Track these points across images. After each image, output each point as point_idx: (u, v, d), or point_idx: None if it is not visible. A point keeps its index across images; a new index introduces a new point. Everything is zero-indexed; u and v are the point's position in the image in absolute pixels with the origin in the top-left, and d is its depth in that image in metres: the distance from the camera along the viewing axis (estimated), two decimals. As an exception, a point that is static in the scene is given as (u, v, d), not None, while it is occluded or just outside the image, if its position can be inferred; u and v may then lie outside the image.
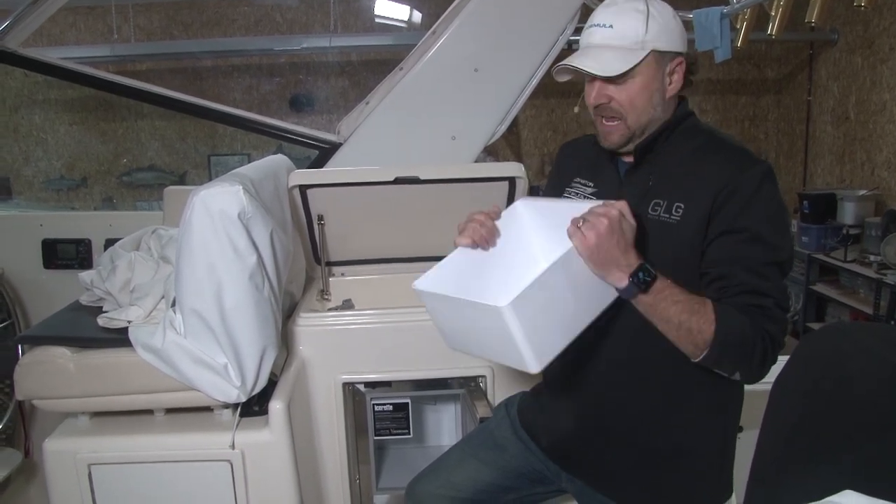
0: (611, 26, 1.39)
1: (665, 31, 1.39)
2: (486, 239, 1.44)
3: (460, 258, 1.44)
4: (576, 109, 1.54)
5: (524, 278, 1.22)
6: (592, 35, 1.41)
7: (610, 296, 1.33)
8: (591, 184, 1.55)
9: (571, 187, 1.58)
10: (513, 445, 1.67)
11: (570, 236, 1.25)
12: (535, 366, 1.24)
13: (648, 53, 1.37)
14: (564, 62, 1.41)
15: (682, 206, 1.38)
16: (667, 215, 1.39)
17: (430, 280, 1.38)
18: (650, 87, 1.40)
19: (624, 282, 1.27)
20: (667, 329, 1.31)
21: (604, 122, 1.44)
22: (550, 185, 1.69)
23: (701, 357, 1.31)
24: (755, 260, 1.33)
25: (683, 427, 1.47)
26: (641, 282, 1.27)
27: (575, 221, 1.26)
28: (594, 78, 1.41)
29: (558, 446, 1.59)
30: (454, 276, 1.40)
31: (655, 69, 1.40)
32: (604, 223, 1.23)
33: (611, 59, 1.37)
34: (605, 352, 1.44)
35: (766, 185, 1.34)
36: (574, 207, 1.34)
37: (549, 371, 1.36)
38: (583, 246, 1.23)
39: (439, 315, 1.38)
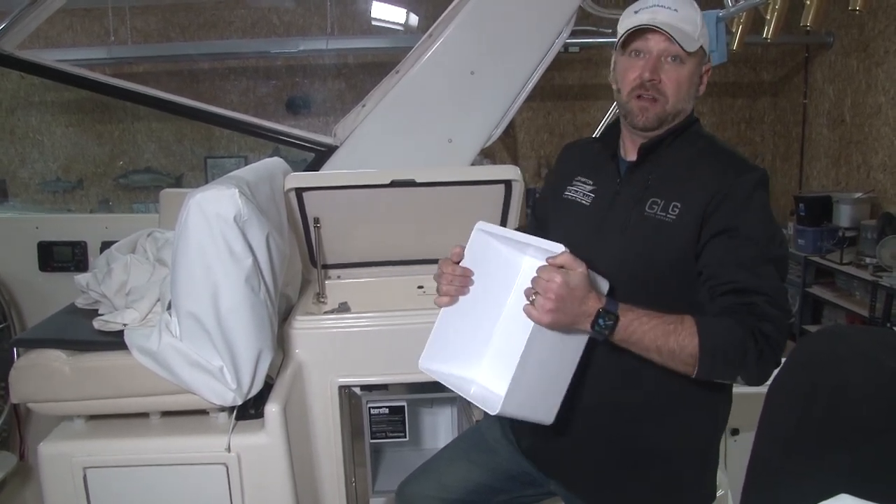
0: (676, 10, 1.43)
1: (706, 36, 1.47)
2: (461, 288, 1.46)
3: (447, 319, 1.47)
4: (614, 87, 1.53)
5: (507, 352, 1.34)
6: (658, 13, 1.43)
7: (585, 337, 1.37)
8: (590, 182, 1.56)
9: (573, 185, 1.59)
10: (503, 448, 1.67)
11: (528, 315, 1.26)
12: (548, 421, 1.37)
13: (700, 47, 1.43)
14: (643, 21, 1.42)
15: (679, 205, 1.39)
16: (663, 214, 1.40)
17: (431, 355, 1.45)
18: (693, 78, 1.46)
19: (589, 330, 1.30)
20: (650, 357, 1.32)
21: (640, 100, 1.45)
22: (549, 184, 1.70)
23: (695, 372, 1.31)
24: (745, 258, 1.33)
25: (666, 430, 1.46)
26: (605, 327, 1.29)
27: (528, 294, 1.28)
28: (650, 55, 1.43)
29: (539, 448, 1.60)
30: (450, 341, 1.46)
31: (698, 64, 1.47)
32: (551, 293, 1.24)
33: (683, 36, 1.41)
34: (589, 356, 1.44)
35: (758, 191, 1.37)
36: (526, 238, 1.40)
37: None
38: (541, 322, 1.25)
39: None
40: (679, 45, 1.40)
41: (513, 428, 1.67)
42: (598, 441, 1.50)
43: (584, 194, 1.55)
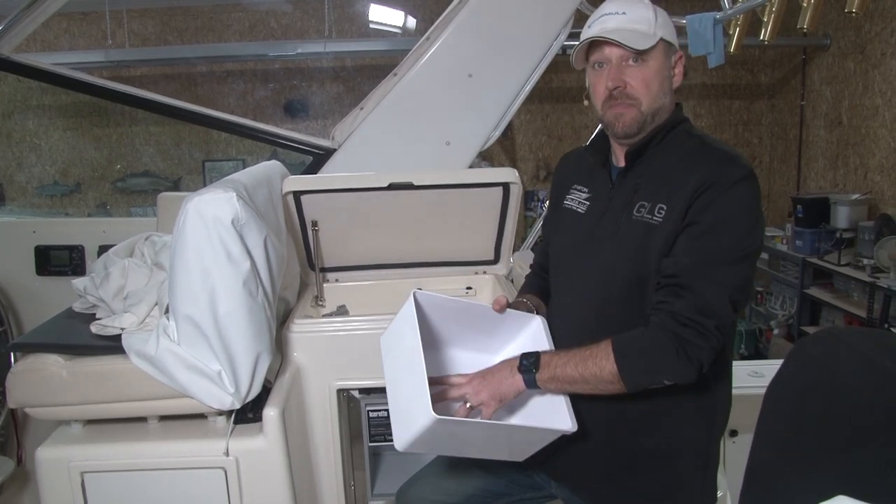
0: (624, 13, 1.45)
1: (667, 25, 1.47)
2: None
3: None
4: (585, 103, 1.60)
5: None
6: (607, 21, 1.46)
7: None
8: (586, 189, 1.58)
9: (570, 194, 1.61)
10: None
11: (476, 407, 1.41)
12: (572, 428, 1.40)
13: (659, 40, 1.44)
14: (592, 34, 1.45)
15: (664, 207, 1.40)
16: (650, 216, 1.41)
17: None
18: (662, 72, 1.46)
19: (520, 379, 1.41)
20: (581, 389, 1.38)
21: (616, 109, 1.47)
22: (552, 196, 1.72)
23: (628, 387, 1.34)
24: (698, 254, 1.34)
25: (666, 434, 1.47)
26: (531, 365, 1.40)
27: (463, 408, 1.41)
28: (609, 64, 1.45)
29: (540, 451, 1.60)
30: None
31: (664, 57, 1.46)
32: (476, 394, 1.41)
33: (634, 37, 1.42)
34: None
35: (739, 186, 1.35)
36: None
37: None
38: (489, 407, 1.40)
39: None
40: (632, 47, 1.41)
41: None
42: (598, 444, 1.50)
43: (579, 202, 1.57)
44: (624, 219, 1.44)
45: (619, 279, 1.43)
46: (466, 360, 1.58)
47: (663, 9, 1.48)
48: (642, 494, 1.50)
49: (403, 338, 1.45)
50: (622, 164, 1.51)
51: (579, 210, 1.56)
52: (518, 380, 1.41)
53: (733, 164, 1.38)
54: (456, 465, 1.70)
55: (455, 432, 1.39)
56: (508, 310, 1.55)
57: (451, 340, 1.60)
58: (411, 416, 1.33)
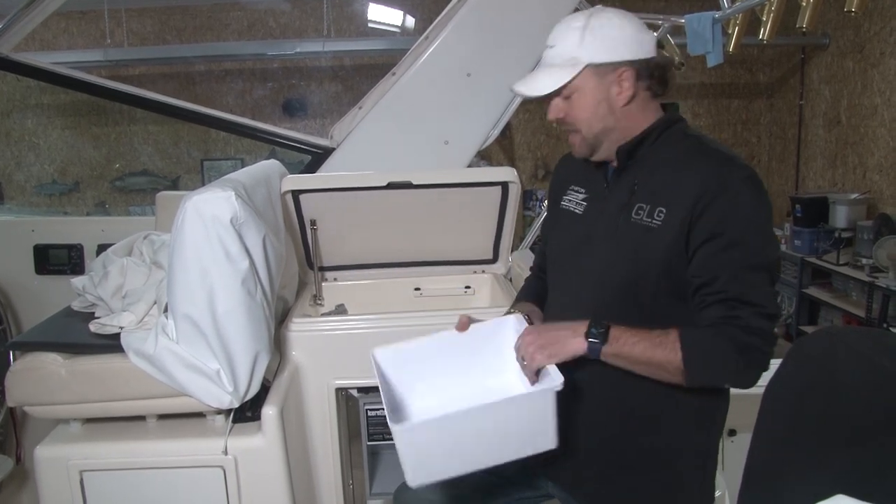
0: (553, 46, 1.45)
1: (604, 44, 1.41)
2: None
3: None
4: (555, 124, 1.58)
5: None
6: (543, 56, 1.48)
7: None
8: (582, 190, 1.57)
9: (567, 194, 1.60)
10: None
11: (527, 369, 1.39)
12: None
13: (584, 68, 1.41)
14: (519, 93, 1.48)
15: (664, 210, 1.38)
16: (649, 220, 1.40)
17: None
18: (593, 99, 1.43)
19: (584, 345, 1.35)
20: (640, 369, 1.36)
21: (568, 135, 1.50)
22: (550, 196, 1.72)
23: (689, 383, 1.34)
24: (732, 266, 1.32)
25: (666, 435, 1.46)
26: (598, 334, 1.35)
27: (519, 361, 1.41)
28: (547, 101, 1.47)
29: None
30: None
31: (596, 82, 1.42)
32: (530, 346, 1.38)
33: (543, 79, 1.43)
34: (585, 363, 1.44)
35: (746, 189, 1.34)
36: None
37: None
38: (540, 361, 1.37)
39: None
40: (537, 95, 1.43)
41: None
42: (596, 445, 1.50)
43: (577, 203, 1.57)
44: (622, 220, 1.43)
45: (617, 280, 1.43)
46: (472, 388, 1.48)
47: (662, 10, 1.47)
48: (641, 495, 1.49)
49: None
50: (615, 163, 1.51)
51: (577, 211, 1.56)
52: (581, 343, 1.35)
53: (733, 165, 1.37)
54: None
55: (439, 437, 1.33)
56: (473, 325, 1.55)
57: (445, 374, 1.52)
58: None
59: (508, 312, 1.64)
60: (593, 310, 1.45)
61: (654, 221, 1.39)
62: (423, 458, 1.32)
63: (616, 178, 1.49)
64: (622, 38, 1.41)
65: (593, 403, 1.46)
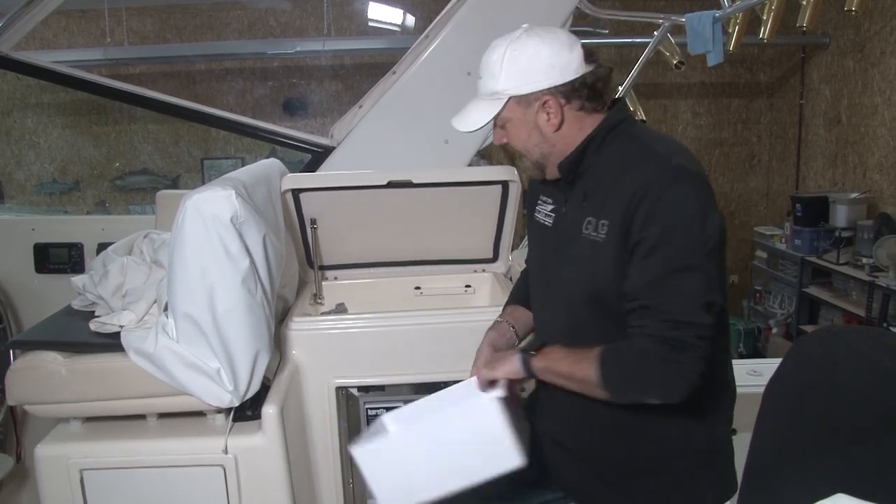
0: (480, 77, 1.45)
1: (523, 75, 1.40)
2: None
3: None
4: None
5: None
6: (465, 108, 1.50)
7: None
8: (550, 201, 1.57)
9: (538, 205, 1.60)
10: None
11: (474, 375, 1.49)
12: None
13: (507, 101, 1.41)
14: (457, 129, 1.50)
15: (606, 223, 1.37)
16: (595, 233, 1.39)
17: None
18: (524, 128, 1.45)
19: (517, 360, 1.43)
20: (572, 385, 1.39)
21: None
22: (526, 207, 1.70)
23: (614, 399, 1.34)
24: (650, 272, 1.30)
25: (663, 439, 1.45)
26: (529, 351, 1.44)
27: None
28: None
29: (546, 457, 1.59)
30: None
31: (522, 112, 1.43)
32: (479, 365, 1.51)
33: (473, 114, 1.46)
34: None
35: (675, 187, 1.30)
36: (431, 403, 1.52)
37: (538, 382, 1.48)
38: (480, 376, 1.47)
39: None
40: (467, 131, 1.46)
41: None
42: (593, 450, 1.50)
43: (546, 214, 1.56)
44: (576, 235, 1.43)
45: (583, 296, 1.43)
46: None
47: (663, 9, 1.46)
48: (642, 498, 1.48)
49: None
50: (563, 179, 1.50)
51: (547, 223, 1.56)
52: (516, 358, 1.44)
53: (664, 166, 1.33)
54: None
55: (398, 461, 1.41)
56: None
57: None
58: None
59: (497, 321, 1.69)
60: (570, 325, 1.48)
61: (599, 235, 1.38)
62: (385, 483, 1.40)
63: (569, 191, 1.49)
64: (539, 67, 1.39)
65: (584, 412, 1.46)
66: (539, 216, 1.58)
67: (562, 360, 1.39)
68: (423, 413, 1.49)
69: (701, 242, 1.29)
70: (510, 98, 1.41)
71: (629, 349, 1.31)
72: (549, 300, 1.55)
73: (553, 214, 1.54)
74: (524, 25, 1.45)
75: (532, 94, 1.40)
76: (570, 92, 1.40)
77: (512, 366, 1.44)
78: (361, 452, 1.40)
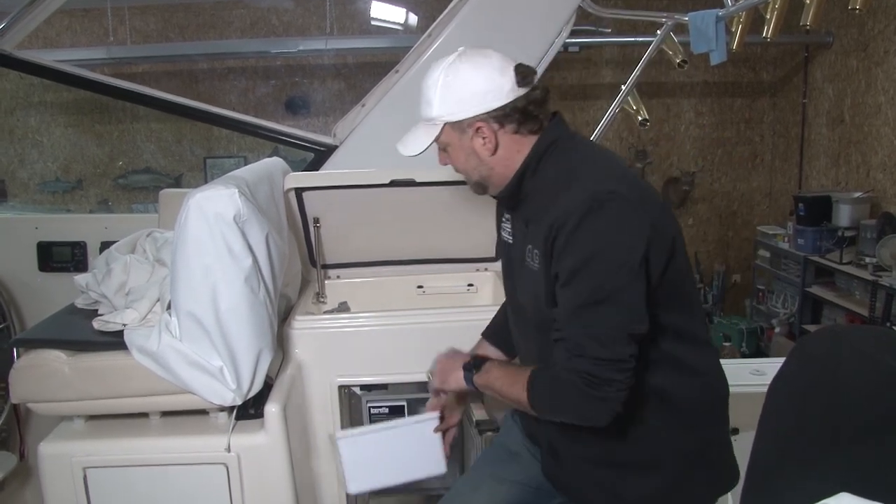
0: (421, 102, 1.48)
1: (456, 103, 1.42)
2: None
3: None
4: None
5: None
6: (410, 132, 1.52)
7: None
8: (509, 218, 1.58)
9: (503, 224, 1.62)
10: (525, 451, 1.66)
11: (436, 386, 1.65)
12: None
13: (443, 126, 1.44)
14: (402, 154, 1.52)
15: (538, 252, 1.39)
16: (532, 262, 1.41)
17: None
18: (462, 153, 1.47)
19: (461, 377, 1.53)
20: (508, 402, 1.45)
21: None
22: (496, 219, 1.70)
23: (543, 418, 1.40)
24: (567, 305, 1.31)
25: (644, 443, 1.44)
26: (472, 366, 1.51)
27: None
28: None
29: (542, 462, 1.60)
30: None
31: (458, 137, 1.45)
32: (435, 375, 1.63)
33: (414, 139, 1.48)
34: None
35: (590, 215, 1.28)
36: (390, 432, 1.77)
37: None
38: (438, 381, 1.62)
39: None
40: (411, 155, 1.48)
41: (528, 434, 1.66)
42: (579, 454, 1.50)
43: (508, 233, 1.58)
44: (523, 262, 1.46)
45: (536, 320, 1.46)
46: None
47: (666, 7, 1.45)
48: (633, 500, 1.48)
49: None
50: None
51: (509, 241, 1.57)
52: (460, 375, 1.53)
53: (582, 194, 1.31)
54: (481, 483, 1.67)
55: (368, 453, 1.72)
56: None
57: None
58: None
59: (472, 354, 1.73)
60: (532, 348, 1.52)
61: (535, 264, 1.40)
62: (355, 469, 1.71)
63: (514, 215, 1.53)
64: (472, 93, 1.41)
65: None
66: (504, 234, 1.60)
67: (498, 380, 1.45)
68: (395, 423, 1.82)
69: (619, 269, 1.28)
70: (445, 124, 1.44)
71: (553, 378, 1.33)
72: (516, 319, 1.60)
73: (512, 234, 1.56)
74: (460, 49, 1.46)
75: (465, 120, 1.42)
76: (503, 117, 1.42)
77: (458, 382, 1.54)
78: (344, 440, 1.72)
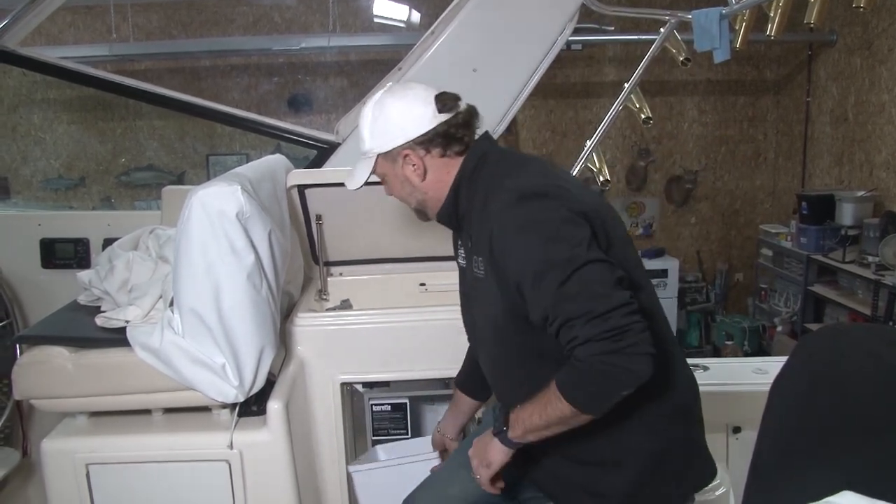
0: (358, 138, 1.58)
1: (383, 135, 1.52)
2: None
3: None
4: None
5: None
6: (355, 165, 1.63)
7: None
8: (460, 242, 1.63)
9: (458, 248, 1.66)
10: None
11: (482, 484, 1.54)
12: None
13: (377, 158, 1.54)
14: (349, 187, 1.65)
15: (481, 258, 1.44)
16: (479, 271, 1.46)
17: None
18: (397, 181, 1.57)
19: (498, 443, 1.47)
20: (554, 430, 1.38)
21: None
22: (454, 251, 1.73)
23: (593, 414, 1.34)
24: (547, 296, 1.31)
25: (608, 442, 1.46)
26: (501, 429, 1.46)
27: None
28: None
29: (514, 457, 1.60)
30: None
31: (391, 166, 1.55)
32: (474, 466, 1.55)
33: (358, 171, 1.61)
34: (535, 372, 1.45)
35: (509, 210, 1.37)
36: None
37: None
38: (481, 478, 1.53)
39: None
40: (352, 189, 1.60)
41: None
42: (551, 454, 1.53)
43: (462, 256, 1.62)
44: (472, 276, 1.51)
45: (490, 334, 1.50)
46: None
47: (669, 5, 1.47)
48: (604, 498, 1.50)
49: None
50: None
51: (462, 264, 1.62)
52: (496, 443, 1.47)
53: (508, 201, 1.39)
54: (459, 471, 1.69)
55: (382, 483, 1.95)
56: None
57: None
58: None
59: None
60: (492, 362, 1.56)
61: (480, 271, 1.45)
62: (367, 498, 1.97)
63: (463, 236, 1.57)
64: (395, 124, 1.51)
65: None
66: (459, 260, 1.64)
67: (532, 416, 1.39)
68: (407, 452, 2.02)
69: (571, 245, 1.32)
70: (378, 156, 1.54)
71: (578, 365, 1.30)
72: (477, 341, 1.63)
73: (465, 257, 1.59)
74: (388, 84, 1.59)
75: (394, 149, 1.52)
76: (427, 142, 1.51)
77: (500, 455, 1.48)
78: (358, 472, 1.96)
